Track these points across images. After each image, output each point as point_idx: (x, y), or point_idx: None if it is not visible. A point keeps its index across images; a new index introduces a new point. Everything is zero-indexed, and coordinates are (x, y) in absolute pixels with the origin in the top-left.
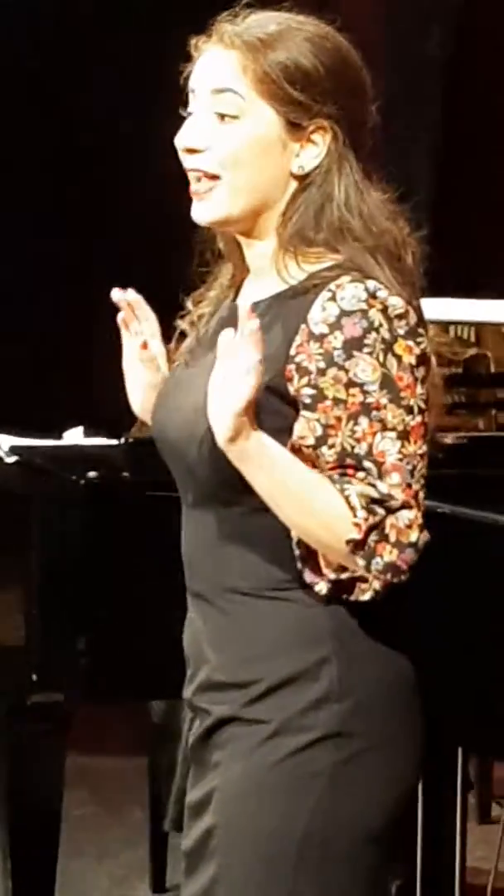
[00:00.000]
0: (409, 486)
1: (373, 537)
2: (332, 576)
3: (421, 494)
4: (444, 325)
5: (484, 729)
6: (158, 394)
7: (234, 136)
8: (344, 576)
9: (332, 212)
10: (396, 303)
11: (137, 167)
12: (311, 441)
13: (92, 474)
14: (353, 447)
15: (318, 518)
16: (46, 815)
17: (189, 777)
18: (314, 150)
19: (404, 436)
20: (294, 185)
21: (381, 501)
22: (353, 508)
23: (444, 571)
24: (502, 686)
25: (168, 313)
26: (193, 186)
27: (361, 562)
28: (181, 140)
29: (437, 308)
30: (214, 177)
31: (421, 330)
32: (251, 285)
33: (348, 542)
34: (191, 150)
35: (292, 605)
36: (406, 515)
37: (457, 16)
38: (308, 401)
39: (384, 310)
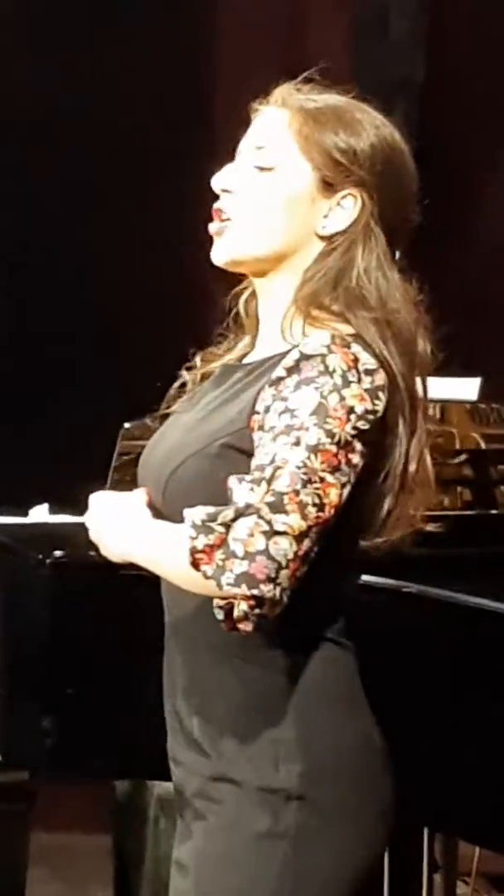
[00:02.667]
0: (297, 493)
1: (220, 556)
2: (215, 604)
3: (311, 509)
4: None
5: (450, 809)
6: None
7: (264, 183)
8: (222, 603)
9: (352, 279)
10: (368, 359)
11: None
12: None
13: (58, 553)
14: (261, 459)
15: (163, 549)
16: (10, 892)
17: (177, 831)
18: (343, 214)
19: (312, 450)
20: (318, 247)
21: (215, 516)
22: (186, 527)
23: (411, 650)
24: (468, 766)
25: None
26: (210, 225)
27: (212, 582)
28: (216, 180)
29: None
30: (228, 219)
31: (381, 395)
32: (258, 346)
33: (191, 561)
34: (223, 191)
35: (253, 666)
36: (244, 524)
37: (427, 42)
38: (258, 442)
39: (354, 360)
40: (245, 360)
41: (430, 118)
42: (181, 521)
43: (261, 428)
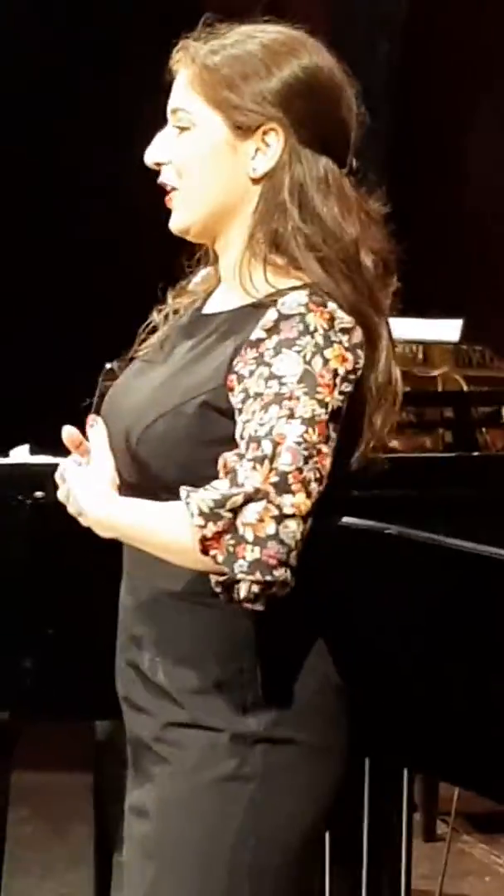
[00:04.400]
0: (300, 470)
1: (229, 541)
2: (212, 579)
3: (313, 485)
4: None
5: (429, 750)
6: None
7: (186, 145)
8: (222, 578)
9: (287, 217)
10: (345, 317)
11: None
12: (237, 437)
13: (38, 494)
14: (256, 431)
15: (165, 534)
16: None
17: (128, 777)
18: (268, 152)
19: (310, 423)
20: (255, 190)
21: (223, 503)
22: (191, 514)
23: (392, 592)
24: (447, 707)
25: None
26: (166, 199)
27: (226, 568)
28: (146, 156)
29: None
30: (174, 188)
31: (360, 352)
32: (220, 295)
33: (201, 548)
34: (157, 165)
35: (214, 612)
36: (253, 509)
37: (404, 26)
38: (240, 405)
39: (330, 319)
40: (210, 309)
41: (414, 56)
42: (148, 481)
43: (244, 391)
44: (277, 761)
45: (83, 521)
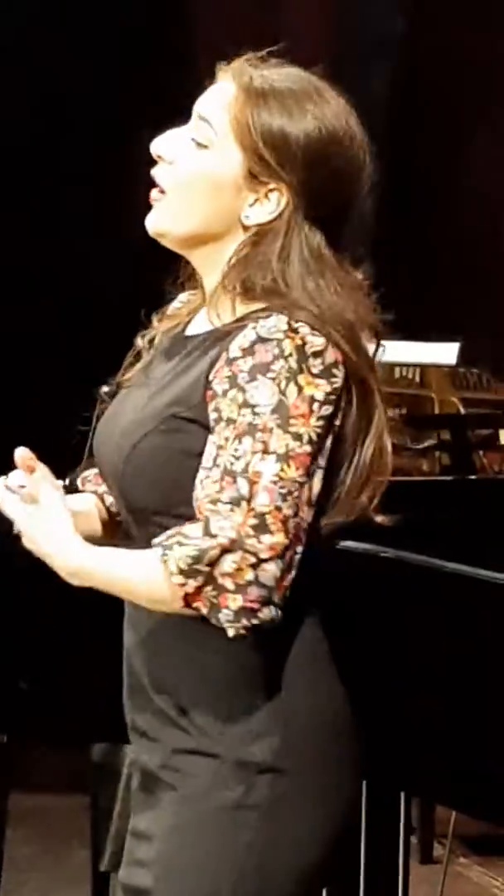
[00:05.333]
0: (279, 509)
1: (210, 593)
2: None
3: (292, 521)
4: (390, 367)
5: (426, 773)
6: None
7: (194, 159)
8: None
9: (267, 274)
10: (315, 341)
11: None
12: (208, 464)
13: None
14: (232, 464)
15: (145, 593)
16: None
17: (133, 801)
18: (267, 208)
19: (284, 459)
20: (240, 233)
21: (200, 558)
22: (170, 573)
23: (388, 616)
24: (444, 730)
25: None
26: (151, 193)
27: (212, 619)
28: (154, 144)
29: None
30: (163, 191)
31: (337, 371)
32: (199, 319)
33: (183, 603)
34: (159, 157)
35: (218, 643)
36: (230, 560)
37: (403, 46)
38: (212, 423)
39: (301, 345)
40: (190, 331)
41: (415, 74)
42: (139, 502)
43: (217, 411)
44: (282, 792)
45: (49, 563)
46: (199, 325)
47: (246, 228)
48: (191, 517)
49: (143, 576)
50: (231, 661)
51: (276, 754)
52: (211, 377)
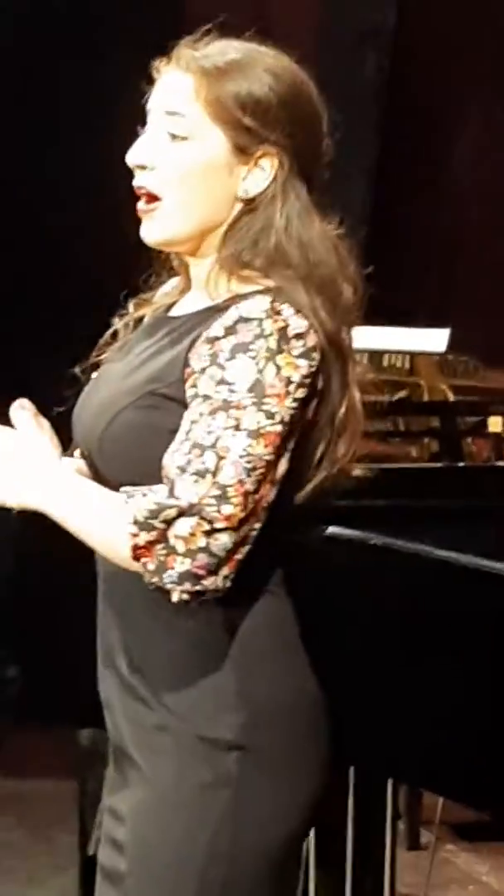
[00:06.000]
0: (241, 483)
1: (160, 551)
2: (145, 578)
3: (252, 497)
4: (380, 354)
5: (413, 760)
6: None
7: (181, 156)
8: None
9: (271, 237)
10: (298, 323)
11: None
12: (180, 437)
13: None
14: (202, 439)
15: (100, 533)
16: None
17: (107, 780)
18: (261, 176)
19: (254, 436)
20: (239, 207)
21: (157, 514)
22: (127, 521)
23: (374, 602)
24: (430, 716)
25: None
26: (139, 205)
27: (156, 578)
28: (130, 156)
29: (372, 337)
30: (155, 197)
31: (315, 355)
32: (187, 300)
33: (133, 555)
34: (140, 167)
35: (188, 619)
36: (186, 523)
37: (391, 39)
38: (188, 400)
39: (284, 327)
40: (175, 312)
41: (402, 66)
42: (115, 477)
43: (194, 388)
44: (250, 770)
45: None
46: (184, 307)
47: (242, 202)
48: None
49: (104, 515)
50: (198, 640)
51: (242, 731)
52: (190, 355)
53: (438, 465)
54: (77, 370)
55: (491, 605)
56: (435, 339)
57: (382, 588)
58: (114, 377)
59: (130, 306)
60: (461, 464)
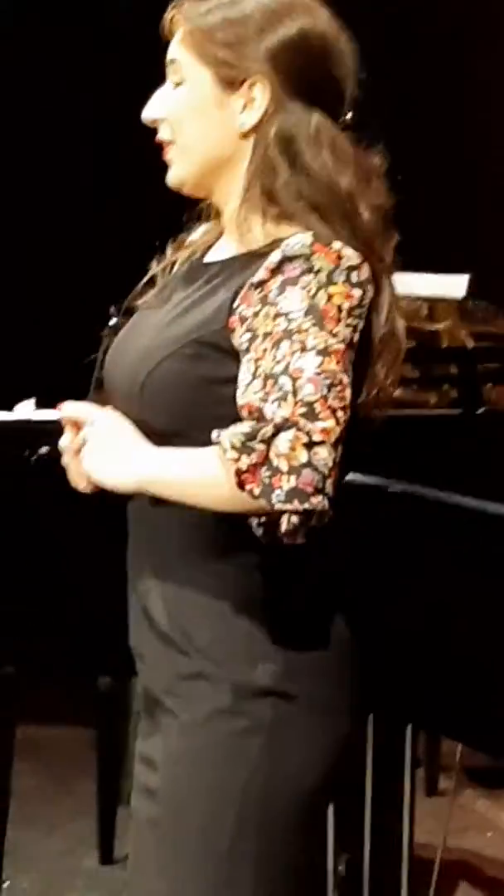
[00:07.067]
0: (325, 398)
1: (265, 474)
2: (253, 521)
3: (340, 413)
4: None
5: (432, 706)
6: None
7: (178, 100)
8: (262, 518)
9: (279, 166)
10: (351, 254)
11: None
12: (246, 379)
13: (44, 450)
14: (272, 368)
15: (200, 487)
16: None
17: (139, 729)
18: (255, 106)
19: (325, 353)
20: (246, 144)
21: (254, 435)
22: (224, 450)
23: (397, 549)
24: (450, 664)
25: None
26: (164, 156)
27: (263, 501)
28: (144, 114)
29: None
30: (171, 143)
31: (369, 287)
32: (221, 246)
33: (237, 482)
34: (154, 122)
35: (224, 566)
36: (285, 438)
37: None
38: (246, 345)
39: (337, 258)
40: (211, 258)
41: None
42: (157, 425)
43: (251, 331)
44: (285, 715)
45: (93, 479)
46: (219, 253)
47: (246, 136)
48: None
49: (197, 462)
50: (233, 585)
51: (278, 677)
52: (237, 304)
53: (458, 410)
54: (117, 317)
55: None
56: (454, 285)
57: (400, 535)
58: (153, 325)
59: (168, 251)
60: (481, 409)
